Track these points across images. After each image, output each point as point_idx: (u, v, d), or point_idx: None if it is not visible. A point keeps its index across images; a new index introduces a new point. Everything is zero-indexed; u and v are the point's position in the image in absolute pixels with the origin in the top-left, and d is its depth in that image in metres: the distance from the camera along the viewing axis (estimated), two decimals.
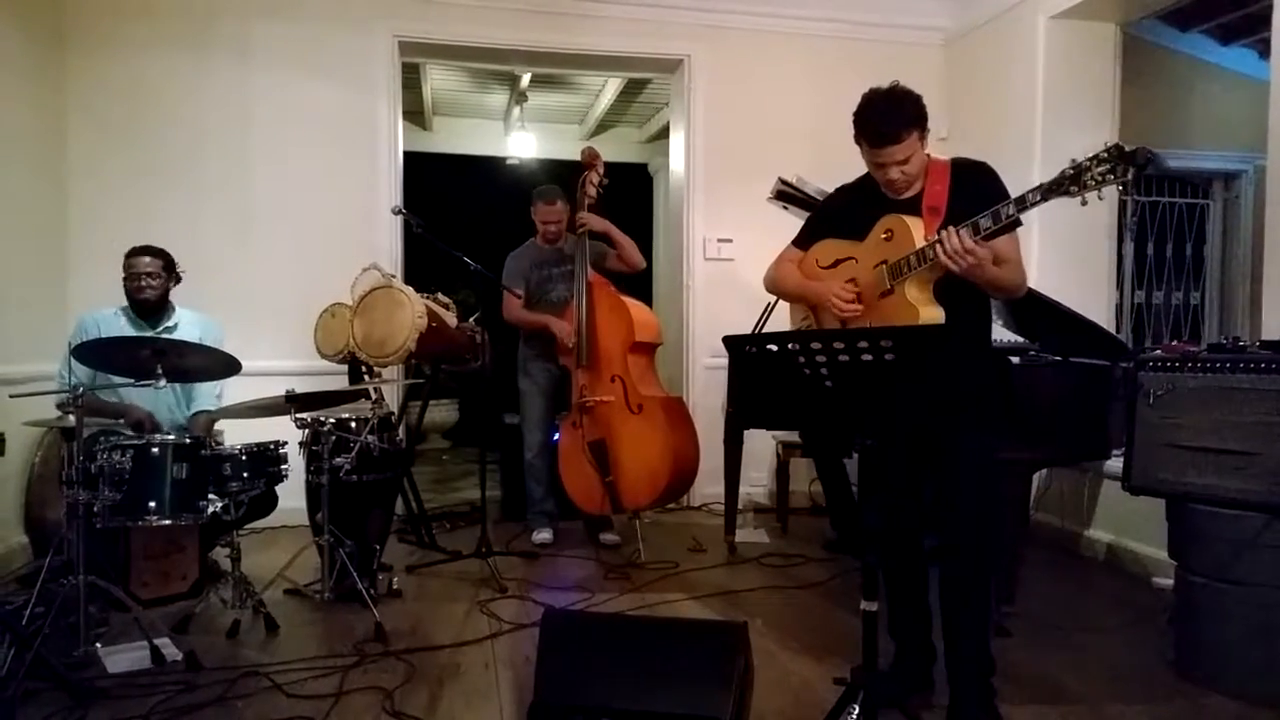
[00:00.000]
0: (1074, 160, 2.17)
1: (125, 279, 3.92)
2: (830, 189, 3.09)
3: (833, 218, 2.88)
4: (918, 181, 2.64)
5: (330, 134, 5.28)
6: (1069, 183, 2.18)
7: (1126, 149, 2.09)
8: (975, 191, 2.55)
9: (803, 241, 2.94)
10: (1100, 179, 2.12)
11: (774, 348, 2.26)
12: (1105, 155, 2.12)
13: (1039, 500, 4.83)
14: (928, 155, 2.65)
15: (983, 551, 2.61)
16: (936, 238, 2.42)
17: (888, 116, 2.54)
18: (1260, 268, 3.95)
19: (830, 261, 2.80)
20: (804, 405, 2.28)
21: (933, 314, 2.49)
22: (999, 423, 2.71)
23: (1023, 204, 2.30)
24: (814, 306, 2.84)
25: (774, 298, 4.42)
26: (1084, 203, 2.18)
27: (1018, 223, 2.37)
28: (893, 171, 2.58)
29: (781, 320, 3.32)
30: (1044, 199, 2.26)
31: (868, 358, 2.10)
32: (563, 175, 5.34)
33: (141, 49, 5.03)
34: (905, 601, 2.85)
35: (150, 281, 3.90)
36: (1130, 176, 2.10)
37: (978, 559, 2.60)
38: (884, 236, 2.61)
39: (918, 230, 2.53)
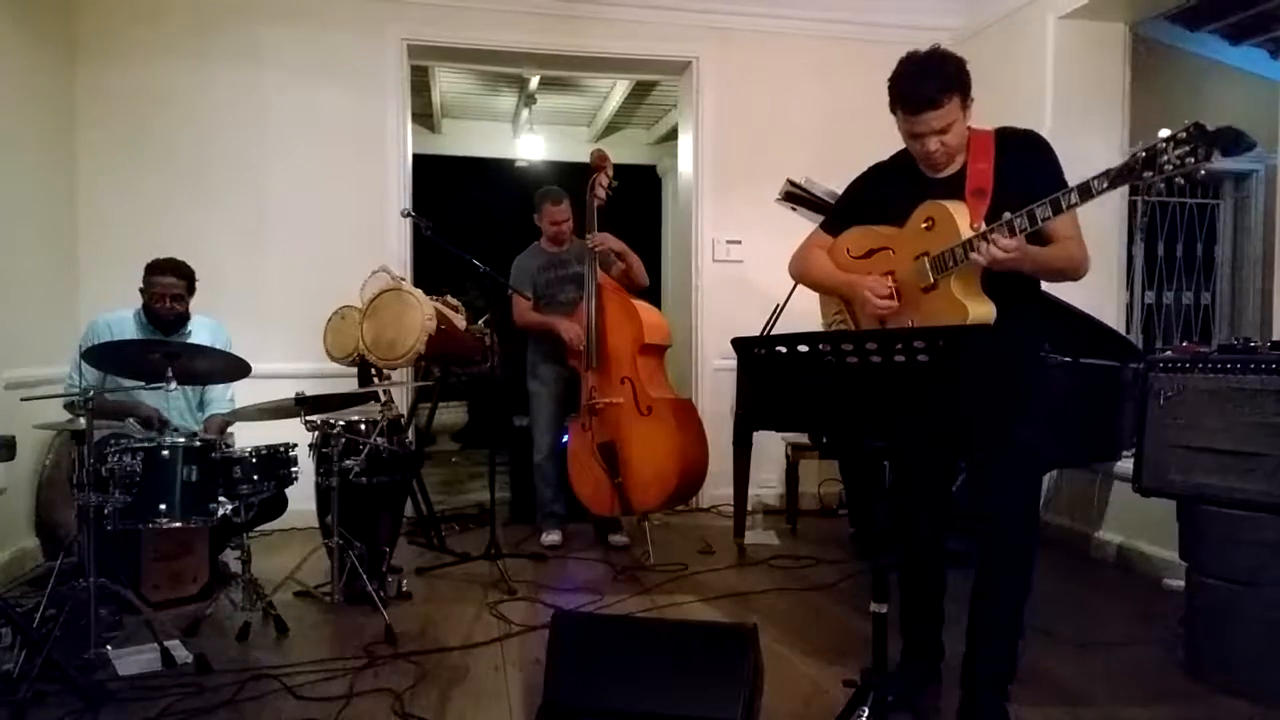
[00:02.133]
0: (1144, 141, 1.96)
1: (146, 294, 3.92)
2: (839, 190, 2.99)
3: (866, 200, 2.67)
4: (959, 156, 2.45)
5: (339, 137, 5.29)
6: (1143, 167, 1.97)
7: (1210, 128, 1.86)
8: (1024, 169, 2.38)
9: (833, 226, 2.74)
10: (1179, 162, 1.90)
11: (783, 349, 2.24)
12: (1185, 136, 1.90)
13: (1049, 501, 4.82)
14: (969, 127, 2.44)
15: (1025, 556, 2.50)
16: (980, 231, 2.25)
17: (927, 78, 2.33)
18: (1271, 267, 3.93)
19: (863, 251, 2.60)
20: (813, 407, 2.27)
21: (982, 311, 2.30)
22: (1039, 425, 2.52)
23: (1087, 192, 2.08)
24: (847, 300, 2.65)
25: (783, 299, 4.43)
26: (1154, 190, 1.96)
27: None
28: (931, 142, 2.38)
29: (798, 318, 3.29)
30: (1112, 186, 2.05)
31: (901, 359, 2.00)
32: (571, 177, 5.35)
33: (151, 55, 5.05)
34: (921, 602, 2.80)
35: (175, 304, 3.91)
36: (1214, 160, 1.87)
37: (1019, 564, 2.49)
38: (924, 225, 2.41)
39: (962, 218, 2.33)
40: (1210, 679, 2.95)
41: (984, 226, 2.30)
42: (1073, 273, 2.43)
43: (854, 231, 2.67)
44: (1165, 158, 1.93)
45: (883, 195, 2.61)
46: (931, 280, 2.41)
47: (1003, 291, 2.36)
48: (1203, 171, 1.88)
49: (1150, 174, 1.96)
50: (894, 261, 2.52)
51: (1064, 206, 2.13)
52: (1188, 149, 1.89)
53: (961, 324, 2.28)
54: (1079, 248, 2.40)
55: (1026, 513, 2.52)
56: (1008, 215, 2.22)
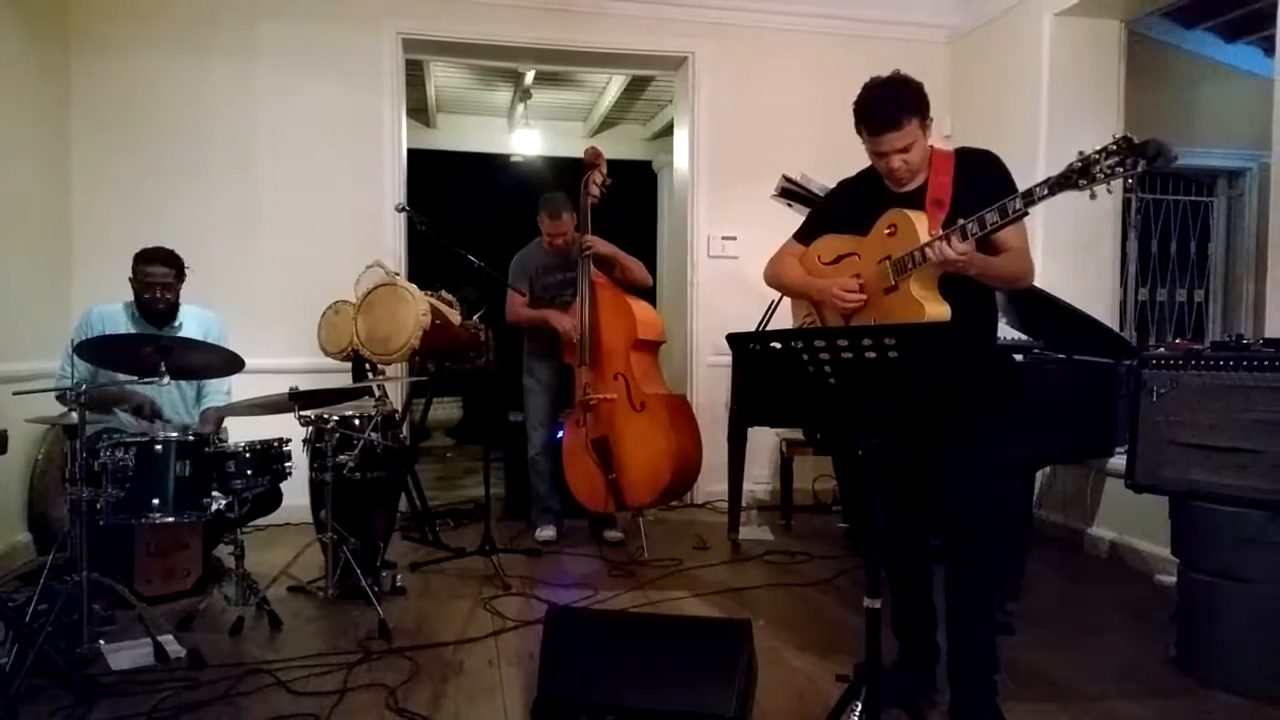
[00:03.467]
0: (1081, 152, 2.13)
1: (135, 284, 3.91)
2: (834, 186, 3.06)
3: (835, 212, 2.84)
4: (921, 173, 2.60)
5: (334, 132, 5.28)
6: (1077, 176, 2.13)
7: (1136, 141, 2.04)
8: (980, 182, 2.51)
9: (804, 236, 2.89)
10: (1110, 171, 2.08)
11: (777, 345, 2.25)
12: (1114, 148, 2.07)
13: (1042, 498, 4.84)
14: (931, 147, 2.60)
15: (990, 550, 2.58)
16: (940, 235, 2.39)
17: (887, 102, 2.50)
18: (1264, 265, 3.94)
19: (833, 257, 2.75)
20: (808, 403, 2.28)
21: (938, 310, 2.45)
22: (1006, 420, 2.66)
23: (1030, 198, 2.25)
24: (817, 303, 2.80)
25: (777, 295, 4.43)
26: (1093, 196, 2.13)
27: (1023, 213, 2.31)
28: (894, 160, 2.54)
29: (784, 317, 3.31)
30: (1051, 193, 2.21)
31: (872, 355, 2.08)
32: (567, 172, 5.34)
33: (145, 48, 5.03)
34: (910, 600, 2.83)
35: (164, 293, 3.91)
36: (1140, 169, 2.05)
37: (985, 558, 2.57)
38: (887, 231, 2.56)
39: (921, 224, 2.48)
40: (1202, 674, 2.96)
41: (941, 233, 2.43)
42: (1018, 281, 2.59)
43: (824, 240, 2.82)
44: (1098, 167, 2.10)
45: (851, 207, 2.75)
46: (893, 281, 2.54)
47: (959, 294, 2.50)
48: (1130, 180, 2.10)
49: (1085, 182, 2.13)
50: (859, 266, 2.66)
51: (1010, 212, 2.29)
52: (1118, 159, 2.07)
53: (917, 321, 2.44)
54: (1025, 259, 2.56)
55: (992, 510, 2.56)
56: (961, 221, 2.37)
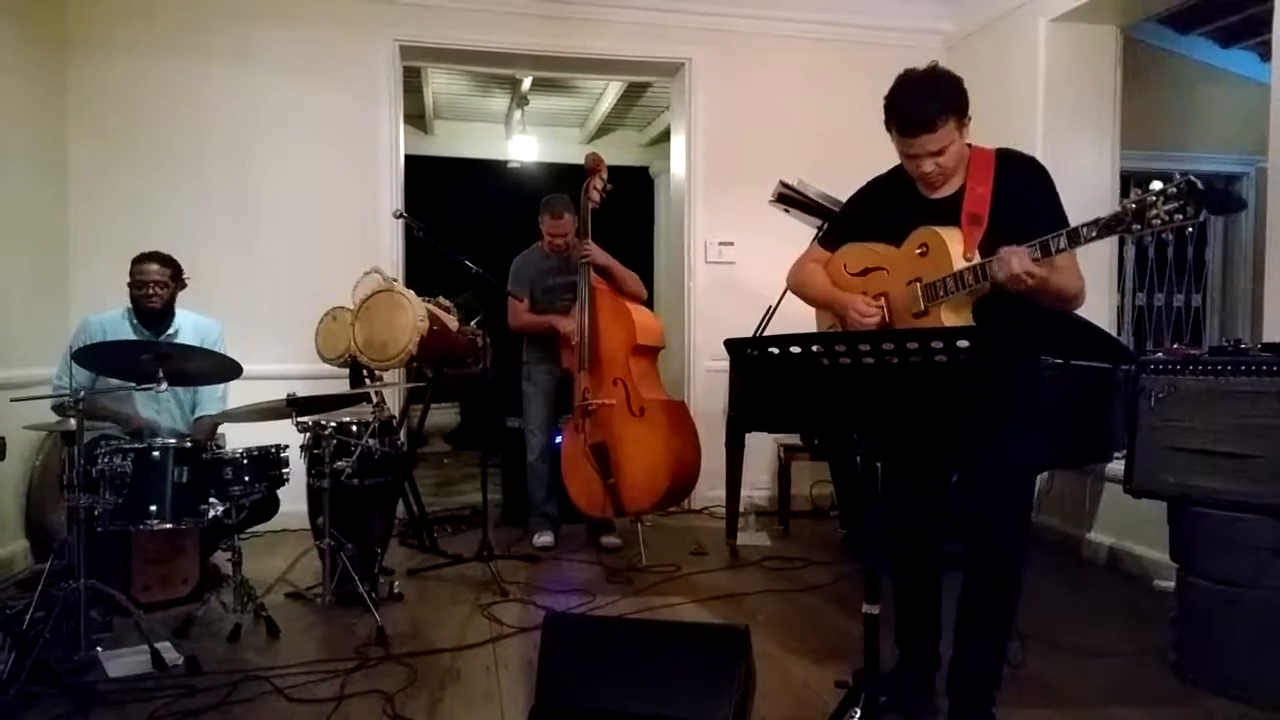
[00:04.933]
0: (1137, 193, 1.98)
1: (131, 286, 3.90)
2: (831, 192, 3.00)
3: (863, 217, 2.67)
4: (956, 176, 2.44)
5: (331, 138, 5.28)
6: (1131, 219, 1.99)
7: (1200, 185, 1.87)
8: (1023, 198, 2.37)
9: (829, 242, 2.74)
10: (1167, 217, 1.92)
11: (775, 351, 2.23)
12: (1175, 191, 1.91)
13: (1040, 503, 4.83)
14: (968, 145, 2.43)
15: (1015, 562, 2.48)
16: (978, 264, 2.25)
17: (922, 101, 2.30)
18: (1261, 269, 3.95)
19: (860, 268, 2.61)
20: (806, 408, 2.27)
21: None
22: (1036, 432, 2.51)
23: (1076, 239, 2.11)
24: (841, 316, 2.66)
25: (775, 300, 4.43)
26: (1151, 239, 2.05)
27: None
28: (926, 164, 2.37)
29: (794, 323, 3.29)
30: (1100, 236, 2.08)
31: (870, 361, 2.03)
32: (564, 178, 5.34)
33: (143, 53, 5.04)
34: (915, 608, 2.78)
35: (158, 290, 3.89)
36: (1202, 217, 1.88)
37: (1009, 569, 2.48)
38: (918, 251, 2.42)
39: (956, 246, 2.33)
40: (1201, 680, 2.95)
41: (977, 256, 2.31)
42: (1074, 299, 2.42)
43: (852, 248, 2.67)
44: (1154, 212, 1.96)
45: (880, 213, 2.60)
46: (923, 307, 2.42)
47: (997, 307, 2.37)
48: (1190, 229, 1.91)
49: (1139, 227, 1.99)
50: (888, 282, 2.53)
51: (1053, 250, 2.17)
52: (1177, 205, 1.91)
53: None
54: (1074, 277, 2.39)
55: (1018, 519, 2.50)
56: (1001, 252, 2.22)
